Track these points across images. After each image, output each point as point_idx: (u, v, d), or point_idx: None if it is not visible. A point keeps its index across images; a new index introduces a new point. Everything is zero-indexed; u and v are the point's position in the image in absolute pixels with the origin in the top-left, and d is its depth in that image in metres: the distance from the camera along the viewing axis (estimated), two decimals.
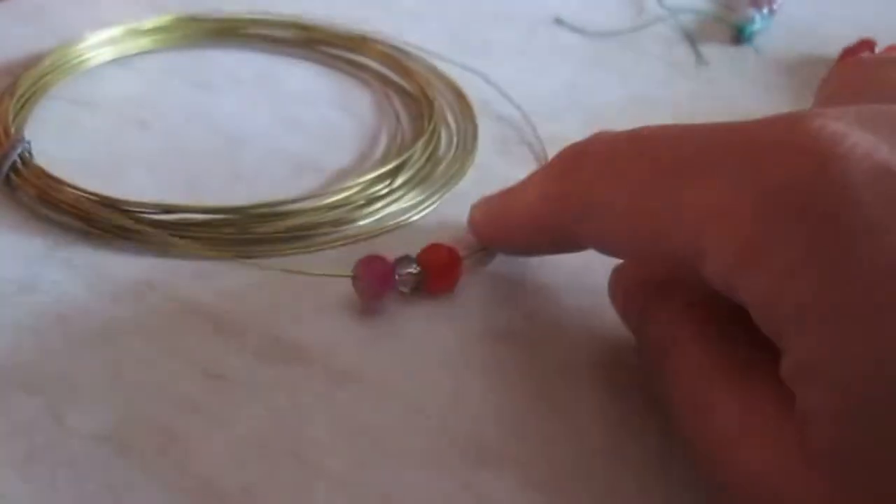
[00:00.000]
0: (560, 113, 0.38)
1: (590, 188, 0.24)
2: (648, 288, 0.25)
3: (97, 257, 0.28)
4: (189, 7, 0.41)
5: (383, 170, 0.32)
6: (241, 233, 0.30)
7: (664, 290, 0.25)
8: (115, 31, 0.39)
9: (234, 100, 0.37)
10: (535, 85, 0.39)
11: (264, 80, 0.39)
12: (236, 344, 0.26)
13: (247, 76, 0.39)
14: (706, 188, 0.21)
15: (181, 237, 0.29)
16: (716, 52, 0.44)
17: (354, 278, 0.27)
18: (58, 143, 0.33)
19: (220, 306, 0.27)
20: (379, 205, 0.31)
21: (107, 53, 0.38)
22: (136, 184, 0.32)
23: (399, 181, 0.32)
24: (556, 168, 0.26)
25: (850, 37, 0.43)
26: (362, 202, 0.31)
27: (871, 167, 0.19)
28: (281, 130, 0.35)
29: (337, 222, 0.31)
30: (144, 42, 0.39)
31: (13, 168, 0.31)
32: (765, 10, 0.46)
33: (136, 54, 0.39)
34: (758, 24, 0.45)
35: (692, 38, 0.45)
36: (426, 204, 0.32)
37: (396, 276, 0.27)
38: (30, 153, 0.31)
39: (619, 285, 0.26)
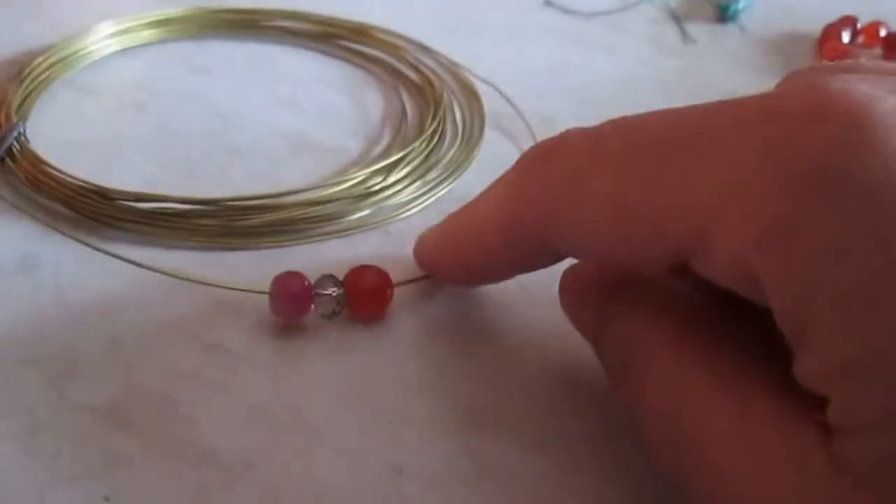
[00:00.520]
0: (549, 94, 0.37)
1: (566, 184, 0.20)
2: (606, 290, 0.22)
3: (94, 237, 0.28)
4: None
5: (376, 166, 0.31)
6: (225, 224, 0.28)
7: (624, 292, 0.21)
8: (124, 22, 0.38)
9: (239, 88, 0.36)
10: (524, 66, 0.39)
11: (272, 70, 0.38)
12: (235, 317, 0.25)
13: (255, 66, 0.38)
14: (715, 166, 0.17)
15: (164, 227, 0.28)
16: (701, 31, 0.43)
17: (270, 296, 0.25)
18: (59, 128, 0.33)
19: (218, 284, 0.26)
20: (372, 200, 0.30)
21: (116, 44, 0.38)
22: (134, 166, 0.31)
23: (393, 178, 0.31)
24: (523, 168, 0.22)
25: (831, 14, 0.42)
26: (356, 197, 0.30)
27: None
28: (284, 119, 0.34)
29: (329, 217, 0.29)
30: (155, 33, 0.39)
31: (10, 152, 0.30)
32: None
33: (148, 44, 0.38)
34: (742, 3, 0.44)
35: (678, 18, 0.44)
36: (422, 199, 0.31)
37: (315, 296, 0.25)
38: (25, 138, 0.31)
39: (571, 289, 0.23)
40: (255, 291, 0.25)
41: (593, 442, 0.23)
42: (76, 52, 0.36)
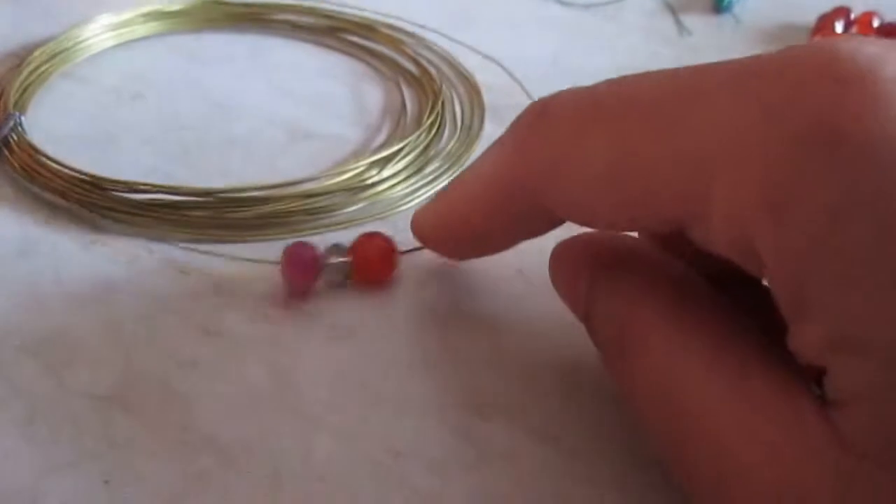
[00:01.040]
0: (546, 85, 0.37)
1: (562, 144, 0.19)
2: (596, 265, 0.21)
3: (91, 225, 0.27)
4: None
5: (374, 158, 0.30)
6: (221, 216, 0.28)
7: (615, 266, 0.21)
8: (123, 15, 0.38)
9: (237, 79, 0.36)
10: (521, 57, 0.38)
11: (270, 62, 0.37)
12: (234, 303, 0.25)
13: (254, 58, 0.38)
14: (714, 128, 0.17)
15: (159, 218, 0.28)
16: (697, 22, 0.43)
17: (281, 264, 0.25)
18: (58, 120, 0.33)
19: (217, 269, 0.26)
20: (370, 192, 0.29)
21: (115, 37, 0.37)
22: (132, 156, 0.31)
23: (390, 170, 0.30)
24: (517, 129, 0.21)
25: (825, 4, 0.42)
26: (354, 189, 0.29)
27: None
28: (283, 110, 0.34)
29: (326, 209, 0.29)
30: (155, 26, 0.38)
31: (6, 142, 0.30)
32: None
33: (147, 37, 0.38)
34: None
35: (673, 9, 0.44)
36: (421, 192, 0.30)
37: (323, 265, 0.25)
38: (22, 128, 0.30)
39: (561, 264, 0.23)
40: (265, 262, 0.25)
41: (594, 428, 0.22)
42: (75, 44, 0.36)
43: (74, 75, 0.35)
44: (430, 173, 0.31)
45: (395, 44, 0.38)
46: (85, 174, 0.28)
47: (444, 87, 0.35)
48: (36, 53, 0.35)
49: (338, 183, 0.29)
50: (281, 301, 0.25)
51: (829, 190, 0.15)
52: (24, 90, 0.33)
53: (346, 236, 0.28)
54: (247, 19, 0.40)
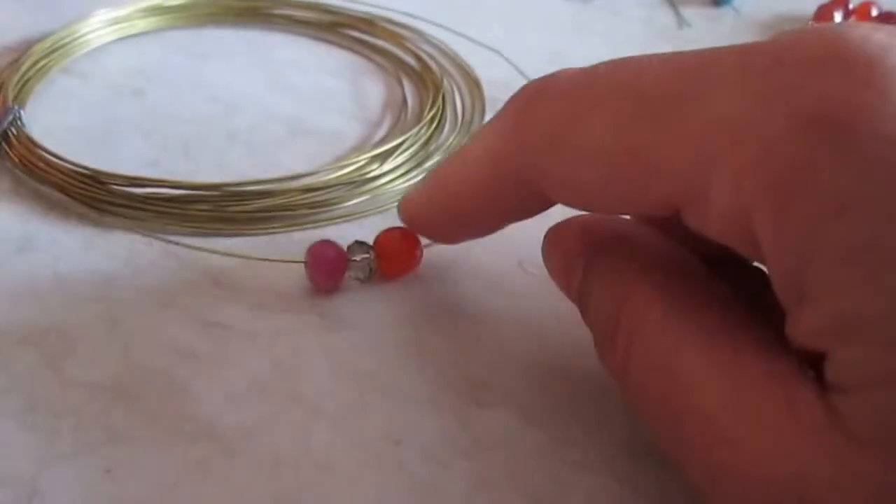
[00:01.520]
0: None
1: (559, 123, 0.19)
2: (590, 248, 0.21)
3: (90, 218, 0.28)
4: None
5: (374, 152, 0.30)
6: (221, 210, 0.28)
7: (609, 249, 0.21)
8: (123, 10, 0.38)
9: (237, 74, 0.36)
10: (522, 50, 0.38)
11: (271, 57, 0.37)
12: (234, 296, 0.25)
13: (254, 53, 0.38)
14: (716, 113, 0.16)
15: (159, 212, 0.28)
16: (696, 14, 0.43)
17: (306, 264, 0.25)
18: (57, 114, 0.33)
19: (216, 263, 0.26)
20: (370, 186, 0.30)
21: (115, 32, 0.37)
22: (132, 151, 0.31)
23: (391, 164, 0.30)
24: (512, 110, 0.21)
25: None
26: (354, 183, 0.29)
27: None
28: (283, 105, 0.34)
29: (327, 203, 0.29)
30: (154, 21, 0.38)
31: (5, 137, 0.30)
32: None
33: (146, 32, 0.38)
34: None
35: (672, 2, 0.44)
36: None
37: (349, 262, 0.25)
38: (21, 122, 0.31)
39: (555, 247, 0.22)
40: (291, 262, 0.26)
41: (589, 415, 0.22)
42: (74, 39, 0.36)
43: (74, 70, 0.35)
44: (430, 167, 0.31)
45: (396, 38, 0.38)
46: (85, 168, 0.28)
47: (444, 81, 0.35)
48: (35, 48, 0.35)
49: (338, 177, 0.29)
50: (288, 297, 0.25)
51: (837, 176, 0.15)
52: (24, 84, 0.33)
53: (348, 230, 0.28)
54: (247, 14, 0.40)
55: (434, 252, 0.27)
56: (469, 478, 0.21)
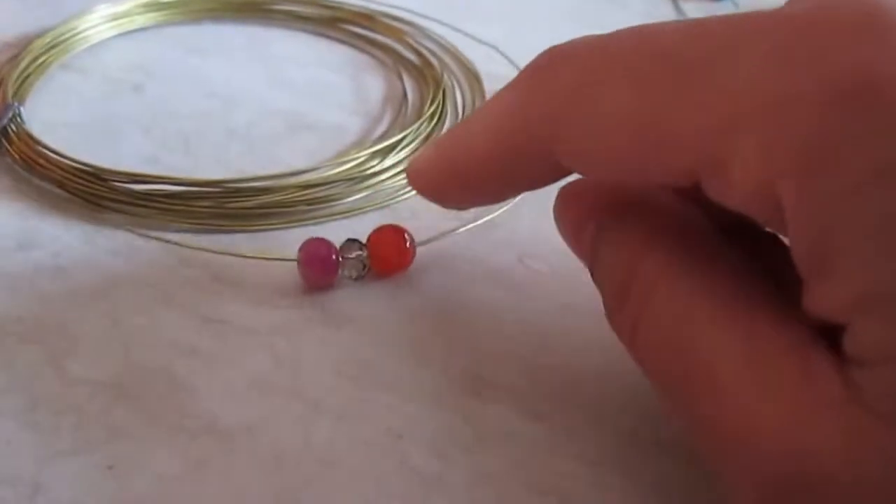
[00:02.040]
0: None
1: (578, 89, 0.18)
2: (604, 210, 0.21)
3: (90, 215, 0.28)
4: None
5: (375, 148, 0.30)
6: (221, 206, 0.28)
7: (623, 211, 0.20)
8: (122, 5, 0.38)
9: (237, 70, 0.36)
10: (521, 44, 0.38)
11: (270, 53, 0.38)
12: (235, 292, 0.25)
13: (253, 49, 0.38)
14: (745, 79, 0.16)
15: (159, 208, 0.28)
16: (696, 8, 0.43)
17: (298, 262, 0.25)
18: (57, 110, 0.33)
19: (216, 259, 0.26)
20: (371, 182, 0.30)
21: (114, 27, 0.37)
22: (131, 147, 0.31)
23: (392, 160, 0.30)
24: (528, 76, 0.20)
25: None
26: (355, 178, 0.29)
27: None
28: (283, 100, 0.34)
29: (327, 199, 0.29)
30: (154, 16, 0.38)
31: (5, 133, 0.30)
32: None
33: (145, 28, 0.38)
34: None
35: None
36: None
37: (340, 260, 0.25)
38: (20, 118, 0.31)
39: (568, 207, 0.22)
40: (284, 259, 0.25)
41: (590, 408, 0.22)
42: (74, 35, 0.36)
43: (73, 66, 0.35)
44: None
45: (396, 33, 0.38)
46: (84, 165, 0.28)
47: (445, 76, 0.35)
48: (35, 44, 0.35)
49: (339, 173, 0.29)
50: (288, 293, 0.25)
51: (870, 146, 0.14)
52: (23, 81, 0.33)
53: (348, 226, 0.28)
54: (246, 9, 0.40)
55: (434, 247, 0.27)
56: (470, 471, 0.21)
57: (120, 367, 0.23)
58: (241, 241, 0.27)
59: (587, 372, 0.23)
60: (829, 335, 0.16)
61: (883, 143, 0.14)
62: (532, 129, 0.20)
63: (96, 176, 0.28)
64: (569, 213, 0.22)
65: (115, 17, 0.38)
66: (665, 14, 0.43)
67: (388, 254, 0.26)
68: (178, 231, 0.27)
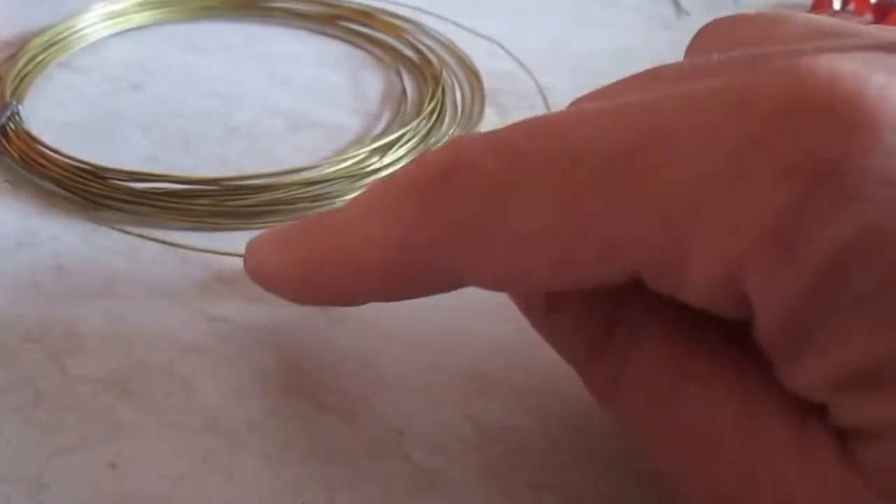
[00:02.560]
0: (545, 68, 0.37)
1: (485, 205, 0.16)
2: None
3: (90, 213, 0.28)
4: None
5: (374, 145, 0.30)
6: (221, 204, 0.28)
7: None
8: (120, 4, 0.38)
9: (236, 68, 0.36)
10: (520, 41, 0.38)
11: (269, 51, 0.38)
12: (236, 290, 0.25)
13: (252, 47, 0.38)
14: (685, 172, 0.15)
15: (158, 206, 0.28)
16: (695, 3, 0.43)
17: None
18: (56, 109, 0.33)
19: (218, 258, 0.26)
20: (371, 179, 0.30)
21: (112, 26, 0.38)
22: (131, 145, 0.31)
23: (391, 157, 0.31)
24: (422, 189, 0.18)
25: None
26: (354, 176, 0.30)
27: None
28: (282, 98, 0.34)
29: (327, 196, 0.29)
30: (152, 15, 0.39)
31: (3, 132, 0.30)
32: None
33: (144, 27, 0.38)
34: None
35: None
36: None
37: None
38: (19, 117, 0.31)
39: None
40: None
41: (593, 406, 0.22)
42: (72, 33, 0.36)
43: (72, 65, 0.36)
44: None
45: (394, 30, 0.39)
46: (84, 163, 0.29)
47: (444, 73, 0.36)
48: (33, 42, 0.35)
49: (339, 170, 0.30)
50: None
51: (842, 225, 0.14)
52: (22, 79, 0.33)
53: None
54: (244, 7, 0.40)
55: None
56: (472, 468, 0.21)
57: (122, 365, 0.23)
58: (241, 240, 0.27)
59: None
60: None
61: (855, 220, 0.13)
62: (429, 255, 0.18)
63: (95, 174, 0.28)
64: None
65: (113, 16, 0.38)
66: (664, 9, 0.43)
67: None
68: (177, 229, 0.27)
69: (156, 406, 0.22)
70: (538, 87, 0.35)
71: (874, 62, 0.15)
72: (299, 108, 0.34)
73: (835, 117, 0.14)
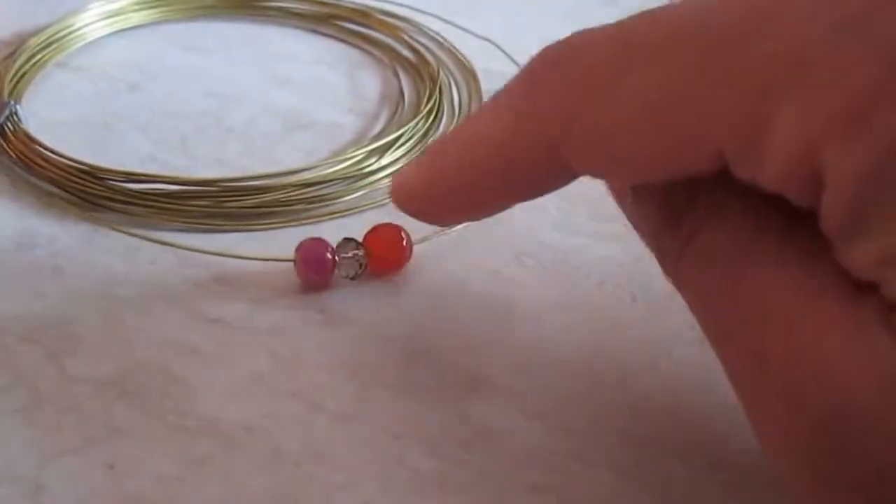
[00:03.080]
0: None
1: (589, 87, 0.17)
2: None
3: (88, 214, 0.28)
4: None
5: (372, 146, 0.31)
6: (218, 205, 0.28)
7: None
8: (118, 3, 0.38)
9: (233, 68, 0.36)
10: (517, 41, 0.38)
11: (267, 51, 0.38)
12: (234, 291, 0.25)
13: (250, 47, 0.38)
14: (779, 46, 0.15)
15: (156, 207, 0.28)
16: None
17: (295, 262, 0.25)
18: (53, 109, 0.33)
19: (215, 258, 0.26)
20: (368, 180, 0.30)
21: (110, 25, 0.38)
22: (128, 146, 0.31)
23: (389, 158, 0.31)
24: (529, 78, 0.19)
25: None
26: (352, 177, 0.30)
27: None
28: (280, 99, 0.34)
29: (325, 198, 0.29)
30: (149, 14, 0.38)
31: (1, 131, 0.30)
32: None
33: (141, 26, 0.38)
34: None
35: None
36: None
37: (337, 260, 0.25)
38: (17, 117, 0.31)
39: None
40: (279, 260, 0.26)
41: (587, 407, 0.23)
42: (70, 33, 0.36)
43: (70, 64, 0.36)
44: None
45: (391, 30, 0.39)
46: (81, 164, 0.29)
47: (441, 72, 0.36)
48: (30, 42, 0.35)
49: (337, 171, 0.30)
50: (285, 292, 0.26)
51: None
52: (20, 79, 0.33)
53: (347, 225, 0.28)
54: (241, 7, 0.40)
55: (430, 246, 0.27)
56: (468, 471, 0.21)
57: (120, 366, 0.23)
58: (238, 241, 0.27)
59: (585, 370, 0.24)
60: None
61: None
62: (539, 130, 0.18)
63: (93, 175, 0.28)
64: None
65: (111, 15, 0.38)
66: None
67: (384, 253, 0.26)
68: (175, 230, 0.28)
69: (153, 407, 0.22)
70: None
71: None
72: (297, 107, 0.34)
73: None
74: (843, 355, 0.15)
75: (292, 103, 0.34)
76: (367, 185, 0.30)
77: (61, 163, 0.29)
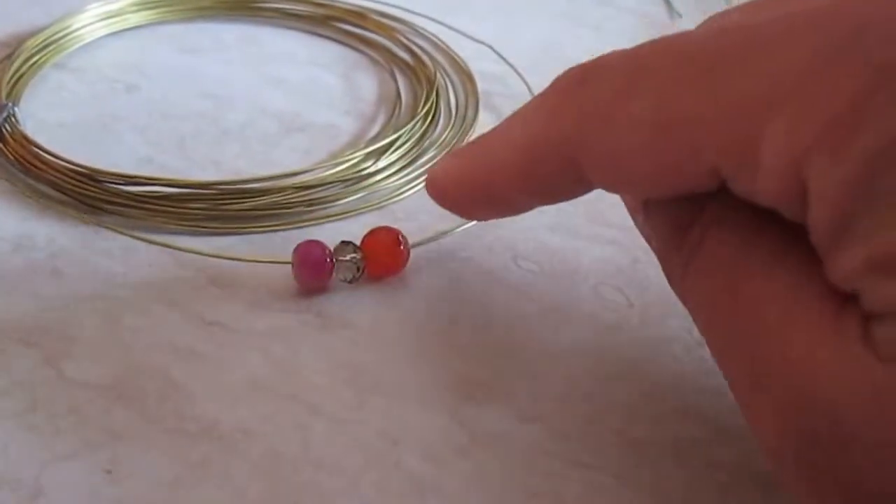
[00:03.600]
0: (538, 70, 0.37)
1: (605, 105, 0.19)
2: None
3: (86, 216, 0.28)
4: None
5: (370, 149, 0.30)
6: (216, 208, 0.28)
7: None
8: (115, 4, 0.38)
9: (230, 69, 0.36)
10: (514, 43, 0.38)
11: (263, 52, 0.38)
12: (232, 294, 0.25)
13: (246, 48, 0.38)
14: (769, 69, 0.17)
15: (154, 210, 0.28)
16: (688, 5, 0.43)
17: (292, 264, 0.25)
18: (51, 110, 0.33)
19: (213, 261, 0.26)
20: (366, 183, 0.30)
21: (107, 26, 0.37)
22: (126, 147, 0.31)
23: (386, 161, 0.31)
24: (556, 92, 0.21)
25: None
26: (349, 180, 0.30)
27: None
28: (277, 100, 0.34)
29: (322, 200, 0.29)
30: (146, 15, 0.38)
31: (0, 133, 0.30)
32: None
33: (138, 27, 0.38)
34: None
35: None
36: (417, 182, 0.30)
37: (334, 263, 0.25)
38: (15, 119, 0.31)
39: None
40: (277, 262, 0.26)
41: (585, 413, 0.23)
42: (67, 34, 0.36)
43: (67, 65, 0.36)
44: (425, 163, 0.31)
45: (388, 31, 0.39)
46: (79, 166, 0.29)
47: (438, 75, 0.36)
48: (28, 43, 0.35)
49: (334, 174, 0.30)
50: (282, 295, 0.26)
51: (893, 122, 0.15)
52: (17, 81, 0.33)
53: (344, 227, 0.28)
54: (238, 8, 0.40)
55: (428, 249, 0.27)
56: (465, 475, 0.21)
57: (118, 370, 0.23)
58: (235, 244, 0.27)
59: (582, 374, 0.24)
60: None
61: None
62: (560, 142, 0.20)
63: (91, 177, 0.28)
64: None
65: (108, 16, 0.38)
66: (656, 11, 0.43)
67: (382, 256, 0.26)
68: (173, 233, 0.28)
69: (151, 411, 0.22)
70: (529, 89, 0.35)
71: None
72: (293, 109, 0.34)
73: None
74: (830, 369, 0.16)
75: (289, 105, 0.34)
76: (364, 187, 0.30)
77: (59, 165, 0.29)
